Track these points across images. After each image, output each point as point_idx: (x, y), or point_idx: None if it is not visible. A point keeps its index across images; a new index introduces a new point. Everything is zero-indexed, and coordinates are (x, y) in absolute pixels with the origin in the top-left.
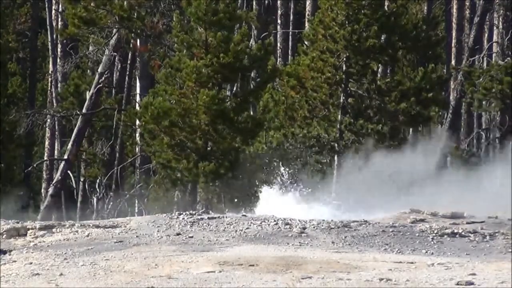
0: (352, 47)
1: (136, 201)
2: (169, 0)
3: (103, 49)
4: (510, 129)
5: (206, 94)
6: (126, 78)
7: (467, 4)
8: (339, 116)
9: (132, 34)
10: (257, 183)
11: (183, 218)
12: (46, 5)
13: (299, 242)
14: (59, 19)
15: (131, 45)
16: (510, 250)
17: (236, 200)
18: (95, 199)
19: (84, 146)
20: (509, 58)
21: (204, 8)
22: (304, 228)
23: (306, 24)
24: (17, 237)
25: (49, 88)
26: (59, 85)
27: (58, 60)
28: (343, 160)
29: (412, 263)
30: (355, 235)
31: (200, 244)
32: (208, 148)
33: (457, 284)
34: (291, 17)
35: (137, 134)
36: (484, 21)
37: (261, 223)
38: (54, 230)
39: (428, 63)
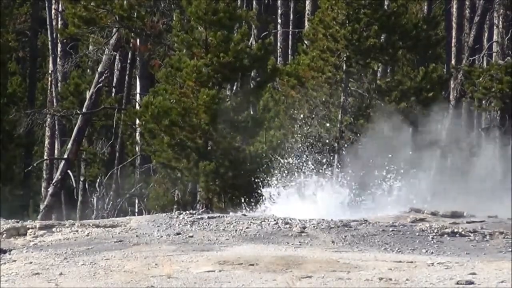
0: (353, 47)
1: (136, 201)
2: (169, 0)
3: (103, 49)
4: (510, 129)
5: (206, 93)
6: (126, 77)
7: (467, 3)
8: (340, 116)
9: (132, 34)
10: (257, 181)
11: (183, 218)
12: (46, 5)
13: (299, 242)
14: (59, 19)
15: (131, 45)
16: (510, 249)
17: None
18: (95, 198)
19: (84, 145)
20: (509, 58)
21: (204, 7)
22: (304, 228)
23: (306, 24)
24: (17, 237)
25: (49, 88)
26: (59, 84)
27: (58, 59)
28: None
29: (412, 262)
30: (355, 235)
31: (200, 243)
32: (208, 148)
33: (457, 283)
34: (291, 17)
35: (137, 134)
36: (484, 20)
37: (261, 222)
38: (54, 229)
39: (428, 62)
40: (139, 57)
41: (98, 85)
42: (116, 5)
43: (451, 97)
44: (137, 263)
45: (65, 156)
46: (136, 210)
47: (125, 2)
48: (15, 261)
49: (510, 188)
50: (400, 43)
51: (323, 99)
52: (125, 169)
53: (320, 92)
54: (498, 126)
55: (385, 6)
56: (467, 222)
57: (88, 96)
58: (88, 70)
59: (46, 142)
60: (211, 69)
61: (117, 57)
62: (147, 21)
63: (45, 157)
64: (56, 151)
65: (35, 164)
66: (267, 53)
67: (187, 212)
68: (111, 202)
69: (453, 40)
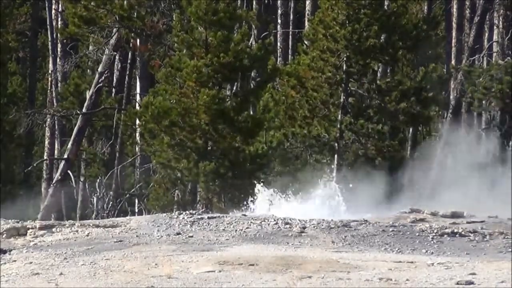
0: (353, 47)
1: (136, 201)
2: (169, 0)
3: (103, 49)
4: (510, 129)
5: (206, 93)
6: (126, 77)
7: (467, 3)
8: (340, 116)
9: (132, 34)
10: (255, 183)
11: (183, 218)
12: (46, 5)
13: (299, 242)
14: (59, 19)
15: (131, 45)
16: (510, 249)
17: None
18: (95, 198)
19: (84, 145)
20: (509, 58)
21: (204, 7)
22: (304, 228)
23: (306, 24)
24: (17, 237)
25: (49, 88)
26: (59, 84)
27: (58, 59)
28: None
29: (412, 262)
30: (355, 235)
31: (200, 243)
32: (208, 148)
33: (457, 283)
34: (291, 17)
35: (137, 134)
36: (484, 20)
37: (261, 222)
38: (54, 229)
39: (428, 62)
40: (139, 57)
41: (98, 85)
42: (116, 5)
43: (451, 97)
44: (137, 263)
45: (65, 156)
46: (136, 210)
47: (125, 2)
48: (15, 261)
49: (510, 188)
50: (400, 43)
51: (323, 99)
52: (125, 169)
53: (320, 92)
54: (498, 126)
55: (385, 6)
56: (467, 222)
57: (88, 96)
58: (88, 70)
59: (46, 142)
60: (211, 69)
61: (117, 57)
62: (147, 21)
63: (45, 157)
64: (56, 151)
65: (35, 164)
66: (267, 53)
67: (187, 212)
68: (111, 202)
69: (453, 40)
